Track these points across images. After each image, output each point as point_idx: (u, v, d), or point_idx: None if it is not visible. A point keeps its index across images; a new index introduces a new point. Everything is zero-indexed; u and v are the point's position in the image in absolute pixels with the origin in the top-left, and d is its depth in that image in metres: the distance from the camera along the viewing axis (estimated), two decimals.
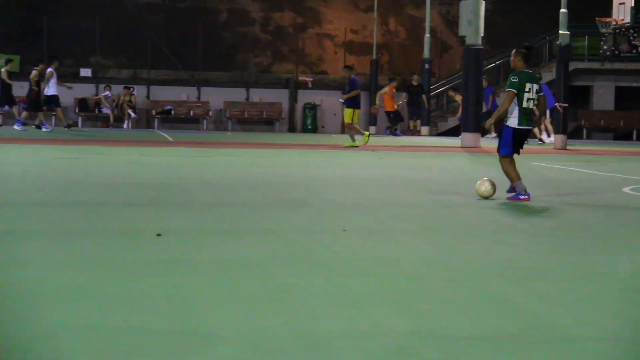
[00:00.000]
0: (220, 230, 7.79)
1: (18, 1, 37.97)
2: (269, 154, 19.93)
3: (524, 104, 10.43)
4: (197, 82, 38.26)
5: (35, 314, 4.64)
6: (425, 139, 32.26)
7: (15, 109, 31.73)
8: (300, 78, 38.94)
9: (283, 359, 4.00)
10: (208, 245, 6.91)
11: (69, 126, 30.18)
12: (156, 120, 37.43)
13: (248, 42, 39.53)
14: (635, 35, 36.73)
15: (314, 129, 38.33)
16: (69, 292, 5.14)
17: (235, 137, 30.07)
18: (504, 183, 10.80)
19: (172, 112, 37.74)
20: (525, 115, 10.47)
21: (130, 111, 36.59)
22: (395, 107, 34.93)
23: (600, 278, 6.07)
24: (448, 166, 17.62)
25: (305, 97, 38.59)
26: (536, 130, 29.45)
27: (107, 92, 36.64)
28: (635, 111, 38.43)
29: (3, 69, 30.83)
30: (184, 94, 38.40)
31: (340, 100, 24.70)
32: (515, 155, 10.71)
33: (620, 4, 35.02)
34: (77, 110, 36.52)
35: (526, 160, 19.06)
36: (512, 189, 10.66)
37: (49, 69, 28.61)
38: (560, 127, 26.14)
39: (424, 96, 35.49)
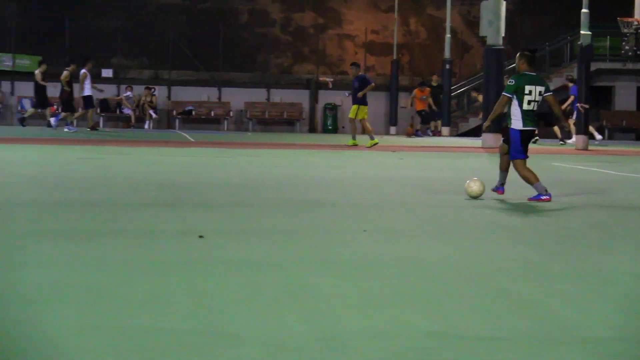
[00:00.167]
0: (241, 231, 7.80)
1: (40, 2, 38.15)
2: (290, 155, 19.95)
3: (525, 107, 10.48)
4: (217, 83, 38.36)
5: (57, 314, 4.66)
6: (446, 140, 32.20)
7: (47, 111, 31.83)
8: (320, 78, 38.97)
9: (304, 359, 4.01)
10: (228, 246, 6.92)
11: (93, 128, 30.30)
12: (177, 121, 37.54)
13: (269, 43, 39.58)
14: None
15: (335, 130, 38.34)
16: (90, 292, 5.16)
17: (256, 137, 30.11)
18: (521, 184, 10.77)
19: (193, 112, 37.85)
20: (528, 117, 10.54)
21: (151, 112, 36.73)
22: (425, 107, 34.93)
23: (621, 279, 6.05)
24: (468, 167, 17.57)
25: (326, 97, 38.61)
26: (556, 129, 29.36)
27: (128, 93, 36.79)
28: None
29: (37, 71, 30.93)
30: (204, 94, 38.51)
31: (346, 94, 24.94)
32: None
33: None
34: (98, 110, 36.68)
35: (547, 161, 19.00)
36: (498, 187, 10.72)
37: (83, 70, 28.95)
38: (581, 128, 26.04)
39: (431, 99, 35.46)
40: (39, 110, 32.39)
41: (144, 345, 4.13)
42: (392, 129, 37.91)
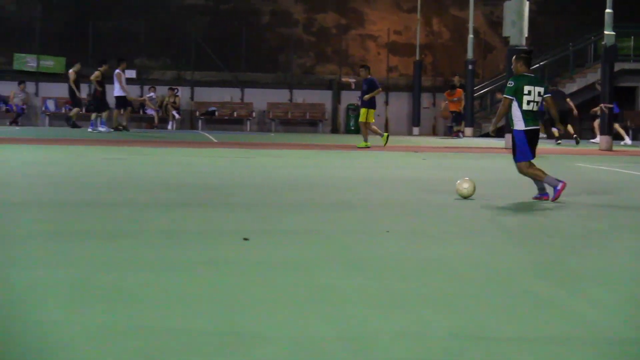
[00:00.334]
0: (264, 231, 7.81)
1: (64, 4, 38.35)
2: (312, 155, 19.96)
3: (524, 107, 10.64)
4: (240, 84, 38.41)
5: (81, 314, 4.69)
6: (470, 140, 32.14)
7: (75, 110, 31.86)
8: (343, 79, 38.94)
9: (327, 359, 4.02)
10: (252, 246, 6.94)
11: (119, 128, 30.40)
12: (200, 122, 37.62)
13: (291, 44, 39.61)
14: None
15: (357, 130, 38.30)
16: (115, 293, 5.19)
17: (279, 138, 30.14)
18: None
19: (216, 113, 37.92)
20: (529, 117, 10.68)
21: (174, 112, 36.82)
22: (458, 108, 34.89)
23: None
24: (491, 167, 17.52)
25: (349, 98, 38.58)
26: (570, 128, 29.25)
27: (151, 94, 36.89)
28: None
29: (71, 70, 30.97)
30: (227, 95, 38.57)
31: (358, 103, 25.03)
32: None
33: None
34: (122, 111, 36.79)
35: (570, 162, 18.93)
36: (542, 194, 10.66)
37: (117, 71, 29.16)
38: (605, 129, 25.93)
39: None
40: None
41: (167, 345, 4.15)
42: (415, 130, 37.84)
